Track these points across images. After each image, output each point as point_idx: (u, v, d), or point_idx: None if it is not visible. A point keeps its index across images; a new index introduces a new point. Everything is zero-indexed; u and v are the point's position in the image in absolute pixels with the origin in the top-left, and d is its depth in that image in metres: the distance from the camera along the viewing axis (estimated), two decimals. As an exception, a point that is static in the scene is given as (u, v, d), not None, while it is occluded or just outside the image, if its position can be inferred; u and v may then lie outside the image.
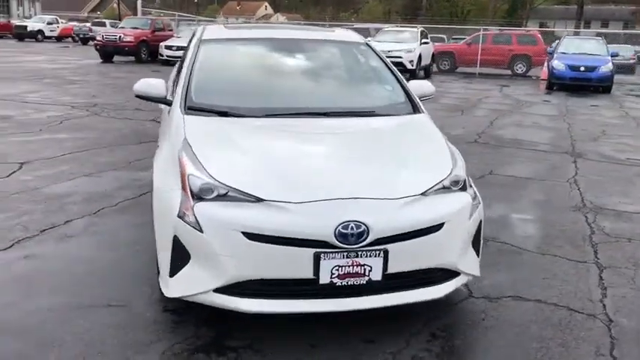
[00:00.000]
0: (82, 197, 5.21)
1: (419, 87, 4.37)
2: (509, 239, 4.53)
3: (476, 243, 3.25)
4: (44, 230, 4.41)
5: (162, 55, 21.36)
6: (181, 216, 2.87)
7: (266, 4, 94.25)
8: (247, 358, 2.84)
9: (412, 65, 18.64)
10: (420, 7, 63.27)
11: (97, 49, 22.03)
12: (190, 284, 2.88)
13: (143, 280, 3.56)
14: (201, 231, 2.80)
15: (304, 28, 5.47)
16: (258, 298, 2.83)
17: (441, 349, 2.96)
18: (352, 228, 2.76)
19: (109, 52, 21.58)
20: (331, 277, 2.79)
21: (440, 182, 3.11)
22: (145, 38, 22.27)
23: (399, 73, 4.28)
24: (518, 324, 3.23)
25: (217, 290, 2.83)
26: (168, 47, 21.32)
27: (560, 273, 3.93)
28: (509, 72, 22.93)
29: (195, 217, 2.82)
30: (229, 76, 4.06)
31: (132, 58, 22.33)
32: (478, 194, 3.31)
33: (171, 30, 23.97)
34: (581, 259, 4.17)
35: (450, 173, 3.17)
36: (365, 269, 2.82)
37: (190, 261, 2.87)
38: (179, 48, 21.15)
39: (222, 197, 2.87)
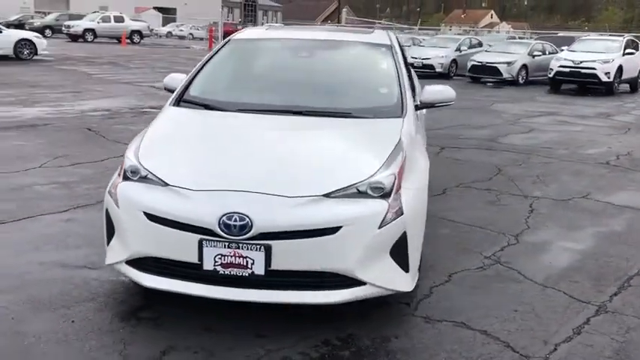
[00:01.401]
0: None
1: (435, 93, 4.19)
2: (522, 266, 4.06)
3: (398, 255, 3.07)
4: (100, 201, 5.13)
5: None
6: (110, 192, 3.24)
7: (492, 12, 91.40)
8: (144, 329, 3.09)
9: (608, 77, 16.72)
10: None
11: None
12: (113, 254, 3.24)
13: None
14: (118, 207, 3.14)
15: (340, 30, 5.46)
16: (154, 274, 3.07)
17: (319, 356, 2.88)
18: (236, 219, 2.85)
19: (305, 56, 23.10)
20: (214, 265, 2.91)
21: (352, 186, 3.01)
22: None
23: (406, 79, 4.10)
24: (429, 351, 2.96)
25: (128, 262, 3.14)
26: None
27: (542, 309, 3.45)
28: None
29: (116, 195, 3.17)
30: (231, 72, 4.34)
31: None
32: (406, 206, 3.08)
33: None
34: (585, 299, 3.59)
35: (368, 179, 3.05)
36: (247, 262, 2.89)
37: (115, 233, 3.22)
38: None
39: (143, 179, 3.16)
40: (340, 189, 3.00)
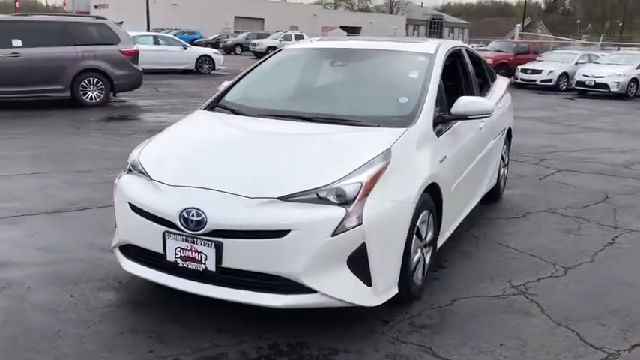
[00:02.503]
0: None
1: (467, 105, 3.94)
2: (548, 300, 3.61)
3: (357, 267, 2.96)
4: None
5: (517, 78, 21.10)
6: (115, 184, 3.58)
7: None
8: (121, 310, 3.36)
9: None
10: None
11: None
12: (114, 239, 3.56)
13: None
14: (116, 198, 3.46)
15: (390, 39, 5.24)
16: (133, 260, 3.33)
17: (257, 357, 2.88)
18: (193, 215, 2.98)
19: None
20: (175, 257, 3.07)
21: (311, 190, 2.98)
22: (505, 61, 22.38)
23: (434, 90, 3.87)
24: (372, 369, 2.81)
25: (120, 248, 3.44)
26: (524, 70, 21.02)
27: (534, 347, 3.05)
28: None
29: (117, 186, 3.50)
30: (267, 79, 4.48)
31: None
32: (368, 216, 2.94)
33: (536, 53, 23.36)
34: (598, 345, 3.10)
35: (329, 185, 2.98)
36: (202, 257, 3.00)
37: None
38: (534, 71, 20.69)
39: (140, 173, 3.44)
40: (298, 193, 2.98)
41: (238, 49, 38.50)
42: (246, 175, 3.16)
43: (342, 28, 64.94)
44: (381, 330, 3.19)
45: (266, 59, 4.68)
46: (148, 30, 35.35)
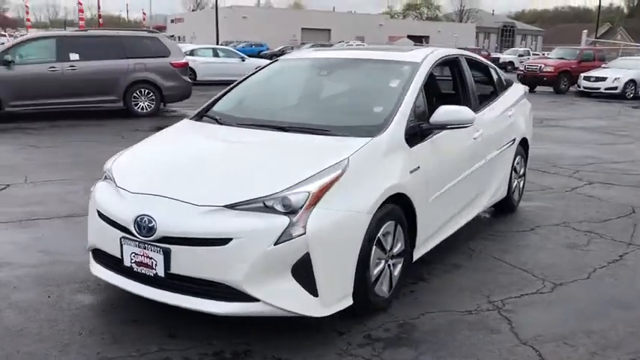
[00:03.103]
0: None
1: (447, 114, 3.83)
2: (521, 317, 3.45)
3: (302, 277, 2.95)
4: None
5: (580, 86, 20.24)
6: (92, 190, 3.73)
7: None
8: (87, 312, 3.46)
9: None
10: None
11: (518, 79, 22.45)
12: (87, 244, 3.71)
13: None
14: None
15: (381, 48, 5.14)
16: (100, 264, 3.46)
17: (197, 363, 2.92)
18: (145, 221, 3.07)
19: (529, 82, 21.63)
20: (131, 262, 3.16)
21: (258, 199, 3.00)
22: (568, 69, 21.47)
23: (410, 100, 3.79)
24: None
25: (92, 252, 3.58)
26: (587, 78, 20.11)
27: (486, 366, 2.93)
28: None
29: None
30: (255, 89, 4.54)
31: (551, 89, 21.86)
32: (312, 226, 2.92)
33: (602, 60, 22.31)
34: (557, 366, 2.93)
35: (276, 193, 2.99)
36: (152, 262, 3.08)
37: (93, 226, 3.69)
38: (597, 79, 19.81)
39: (111, 181, 3.57)
40: (245, 201, 3.00)
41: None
42: (202, 183, 3.22)
43: (409, 37, 64.52)
44: (333, 341, 3.15)
45: (260, 69, 4.75)
46: (217, 42, 36.53)
